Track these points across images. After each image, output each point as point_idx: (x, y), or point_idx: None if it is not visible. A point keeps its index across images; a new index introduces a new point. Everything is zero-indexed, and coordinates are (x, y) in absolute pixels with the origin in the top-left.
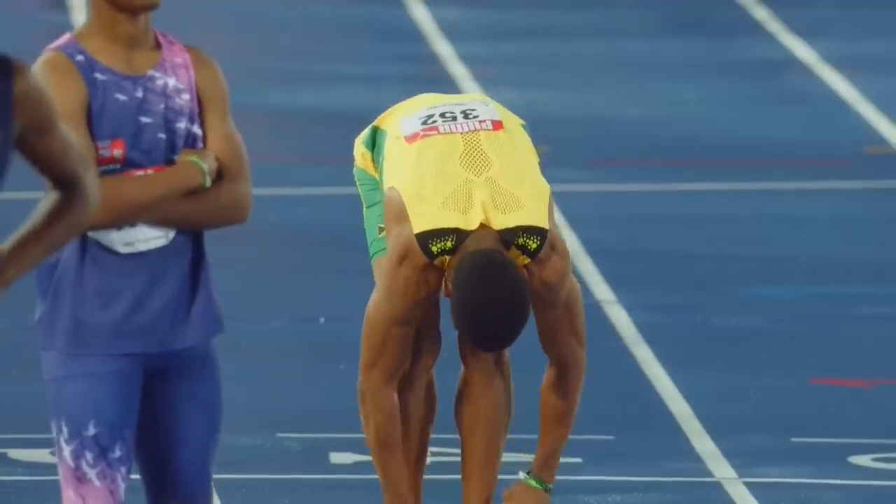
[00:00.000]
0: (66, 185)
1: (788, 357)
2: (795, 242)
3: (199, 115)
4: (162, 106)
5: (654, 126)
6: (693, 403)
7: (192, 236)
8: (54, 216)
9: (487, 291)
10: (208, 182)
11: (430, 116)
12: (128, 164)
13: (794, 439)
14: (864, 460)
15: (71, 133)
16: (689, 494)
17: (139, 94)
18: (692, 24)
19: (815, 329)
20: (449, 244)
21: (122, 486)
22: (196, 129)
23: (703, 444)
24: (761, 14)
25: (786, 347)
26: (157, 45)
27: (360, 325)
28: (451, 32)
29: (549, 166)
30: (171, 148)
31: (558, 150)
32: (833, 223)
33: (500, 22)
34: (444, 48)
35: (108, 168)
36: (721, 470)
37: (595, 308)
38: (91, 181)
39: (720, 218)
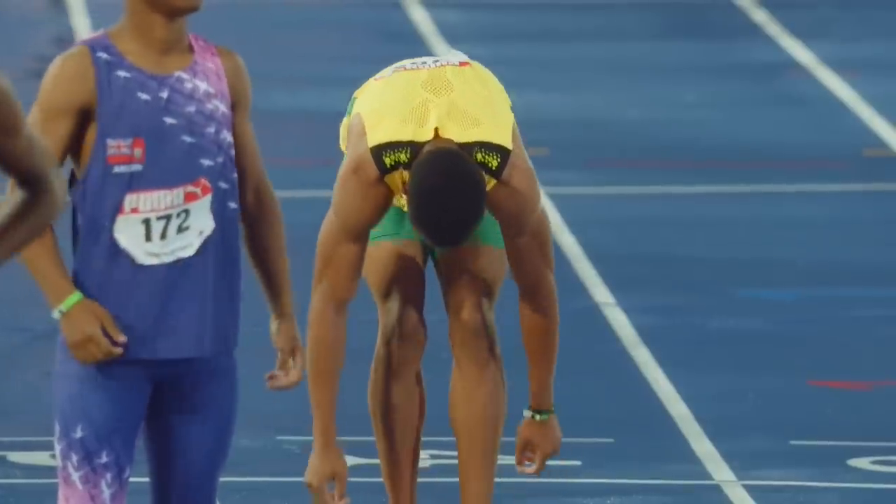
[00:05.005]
0: (32, 185)
1: (787, 359)
2: (794, 245)
3: (233, 120)
4: (192, 109)
5: (654, 128)
6: (692, 405)
7: (220, 248)
8: (18, 217)
9: (442, 175)
10: None
11: (402, 66)
12: (149, 164)
13: (793, 442)
14: (863, 463)
15: (37, 133)
16: (688, 497)
17: (164, 94)
18: (691, 26)
19: (813, 331)
20: (403, 157)
21: (106, 491)
22: (226, 135)
23: (702, 446)
24: (760, 16)
25: (784, 350)
26: (190, 48)
27: (360, 329)
28: (451, 35)
29: (549, 168)
30: (199, 152)
31: (557, 152)
32: (832, 225)
33: (499, 24)
34: (443, 50)
35: (130, 168)
36: (720, 472)
37: (594, 310)
38: (57, 181)
39: (719, 220)
